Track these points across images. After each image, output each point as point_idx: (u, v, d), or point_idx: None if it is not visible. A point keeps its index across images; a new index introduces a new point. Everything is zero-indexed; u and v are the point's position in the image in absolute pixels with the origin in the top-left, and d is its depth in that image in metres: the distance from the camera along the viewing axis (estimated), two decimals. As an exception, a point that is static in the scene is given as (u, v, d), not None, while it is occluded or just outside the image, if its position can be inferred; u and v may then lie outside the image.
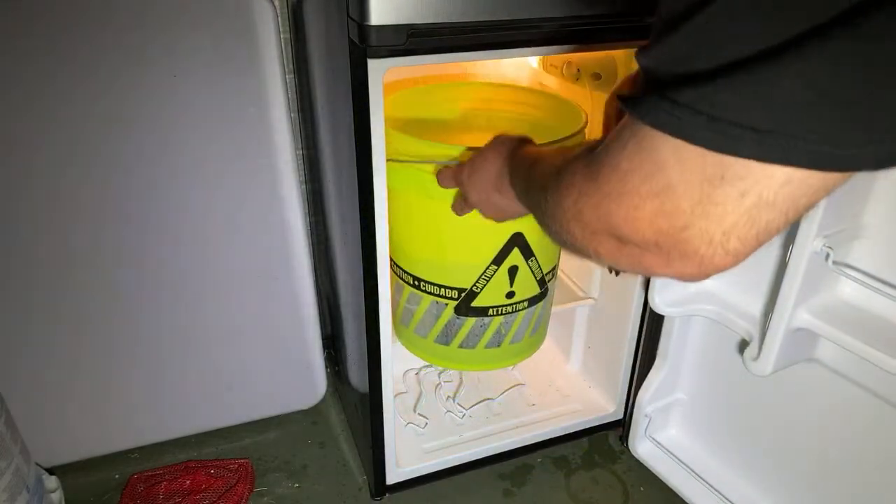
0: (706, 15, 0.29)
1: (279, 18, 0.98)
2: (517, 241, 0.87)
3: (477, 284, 0.89)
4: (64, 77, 0.89)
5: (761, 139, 0.29)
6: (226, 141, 0.99)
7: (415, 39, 0.69)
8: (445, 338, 0.95)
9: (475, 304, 0.91)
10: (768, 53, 0.27)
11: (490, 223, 0.78)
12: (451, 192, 0.82)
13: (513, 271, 0.89)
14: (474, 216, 0.79)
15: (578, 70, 1.08)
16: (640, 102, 0.32)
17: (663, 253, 0.36)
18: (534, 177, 0.53)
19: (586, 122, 0.91)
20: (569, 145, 0.53)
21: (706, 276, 0.36)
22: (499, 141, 0.71)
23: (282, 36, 1.01)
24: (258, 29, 0.95)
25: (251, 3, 0.94)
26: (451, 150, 0.81)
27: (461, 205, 0.81)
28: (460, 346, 0.95)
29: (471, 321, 0.93)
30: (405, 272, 0.93)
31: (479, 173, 0.71)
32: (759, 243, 0.34)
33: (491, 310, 0.92)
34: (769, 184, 0.31)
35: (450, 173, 0.79)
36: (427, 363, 1.28)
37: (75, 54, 0.88)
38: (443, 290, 0.90)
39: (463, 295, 0.90)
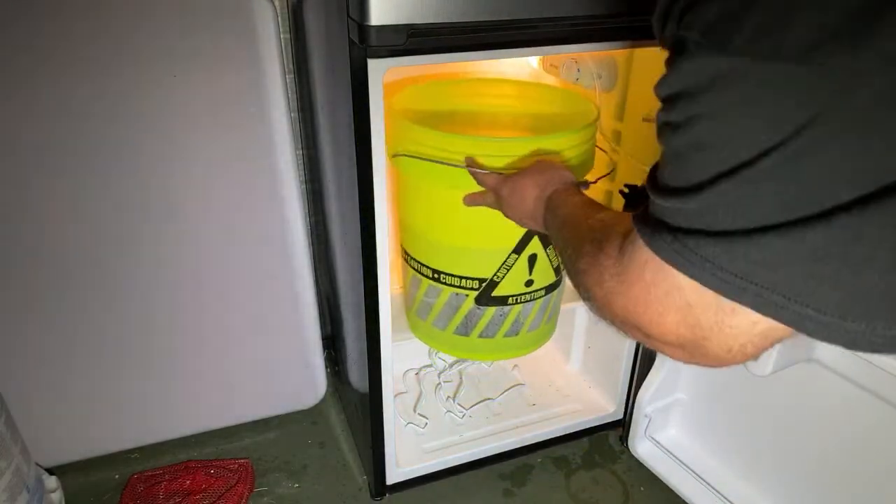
0: (734, 185, 0.32)
1: (279, 18, 0.98)
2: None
3: (498, 274, 0.90)
4: (63, 77, 0.89)
5: (759, 293, 0.33)
6: (226, 141, 0.99)
7: (415, 39, 0.69)
8: (465, 328, 0.96)
9: (495, 293, 0.92)
10: (778, 227, 0.32)
11: None
12: (475, 184, 0.84)
13: (532, 259, 0.90)
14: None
15: (578, 70, 1.08)
16: (658, 242, 0.37)
17: (686, 351, 0.40)
18: (566, 235, 0.58)
19: (598, 116, 0.92)
20: (602, 209, 0.58)
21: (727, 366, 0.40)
22: (539, 170, 0.74)
23: (282, 36, 1.01)
24: (258, 29, 0.95)
25: (251, 3, 0.94)
26: (475, 143, 0.83)
27: (479, 200, 0.83)
28: (480, 336, 0.96)
29: (491, 311, 0.94)
30: (424, 265, 0.94)
31: (516, 197, 0.75)
32: (774, 344, 0.38)
33: (510, 298, 0.93)
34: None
35: (492, 182, 0.80)
36: (427, 363, 1.28)
37: (75, 54, 0.88)
38: (463, 280, 0.91)
39: (484, 285, 0.91)
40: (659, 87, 0.35)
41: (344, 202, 0.92)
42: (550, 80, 1.15)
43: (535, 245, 0.90)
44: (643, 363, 1.11)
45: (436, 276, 0.93)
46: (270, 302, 1.12)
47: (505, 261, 0.89)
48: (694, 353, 0.39)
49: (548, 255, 0.92)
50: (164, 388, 1.11)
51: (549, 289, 0.96)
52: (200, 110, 0.97)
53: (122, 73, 0.91)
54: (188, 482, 1.09)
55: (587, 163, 0.91)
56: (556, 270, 0.95)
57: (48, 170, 0.93)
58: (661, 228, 0.37)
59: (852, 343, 0.33)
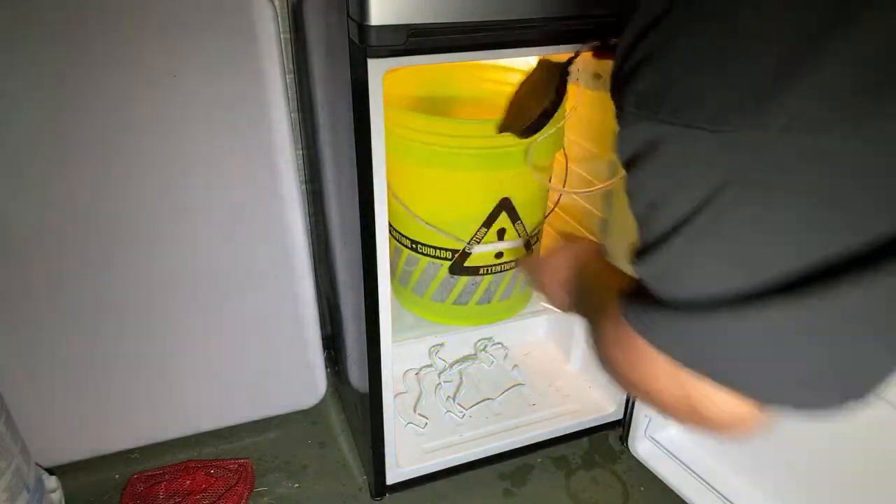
0: (682, 241, 0.35)
1: (279, 18, 0.98)
2: (505, 205, 0.94)
3: (469, 246, 0.96)
4: (63, 77, 0.89)
5: (724, 375, 0.36)
6: (226, 141, 0.99)
7: (415, 39, 0.69)
8: (441, 295, 1.02)
9: (468, 263, 0.98)
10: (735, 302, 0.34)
11: (480, 190, 0.93)
12: (447, 161, 0.90)
13: (501, 233, 0.97)
14: (468, 185, 0.91)
15: (578, 70, 1.08)
16: (630, 314, 0.40)
17: (689, 419, 0.41)
18: (585, 306, 0.60)
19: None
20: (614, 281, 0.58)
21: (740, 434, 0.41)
22: (568, 254, 0.75)
23: (282, 36, 1.01)
24: (258, 29, 0.95)
25: (251, 3, 0.94)
26: (452, 126, 0.88)
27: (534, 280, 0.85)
28: (454, 303, 1.03)
29: (463, 279, 1.00)
30: (403, 236, 1.00)
31: (551, 275, 0.76)
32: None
33: (482, 269, 0.99)
34: None
35: (526, 267, 0.83)
36: (427, 363, 1.28)
37: (74, 54, 0.88)
38: (438, 251, 0.97)
39: (456, 256, 0.97)
40: (616, 153, 0.39)
41: (344, 202, 0.92)
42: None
43: (503, 220, 0.96)
44: (643, 363, 1.11)
45: (414, 246, 0.99)
46: (270, 302, 1.12)
47: (475, 234, 0.95)
48: (692, 416, 0.40)
49: (516, 230, 0.98)
50: (165, 388, 1.11)
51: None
52: (200, 110, 0.97)
53: (122, 73, 0.91)
54: (188, 482, 1.09)
55: (557, 142, 0.98)
56: (527, 245, 1.01)
57: (47, 169, 0.93)
58: (634, 301, 0.40)
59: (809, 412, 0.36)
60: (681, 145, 0.33)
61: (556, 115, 0.92)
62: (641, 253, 0.38)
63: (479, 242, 0.96)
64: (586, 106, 1.03)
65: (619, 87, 0.37)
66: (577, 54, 0.84)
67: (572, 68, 0.87)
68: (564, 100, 0.92)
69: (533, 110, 0.84)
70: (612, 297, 0.45)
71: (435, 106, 1.06)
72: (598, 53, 0.79)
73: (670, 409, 0.41)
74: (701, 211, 0.33)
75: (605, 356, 0.45)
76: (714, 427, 0.40)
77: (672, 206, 0.34)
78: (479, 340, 1.33)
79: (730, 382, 0.36)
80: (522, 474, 1.15)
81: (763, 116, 0.30)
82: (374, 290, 0.88)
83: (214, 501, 1.05)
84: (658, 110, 0.33)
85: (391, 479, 1.06)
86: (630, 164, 0.37)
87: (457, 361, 1.30)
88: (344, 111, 0.78)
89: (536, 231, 1.02)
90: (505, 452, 1.14)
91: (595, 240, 0.78)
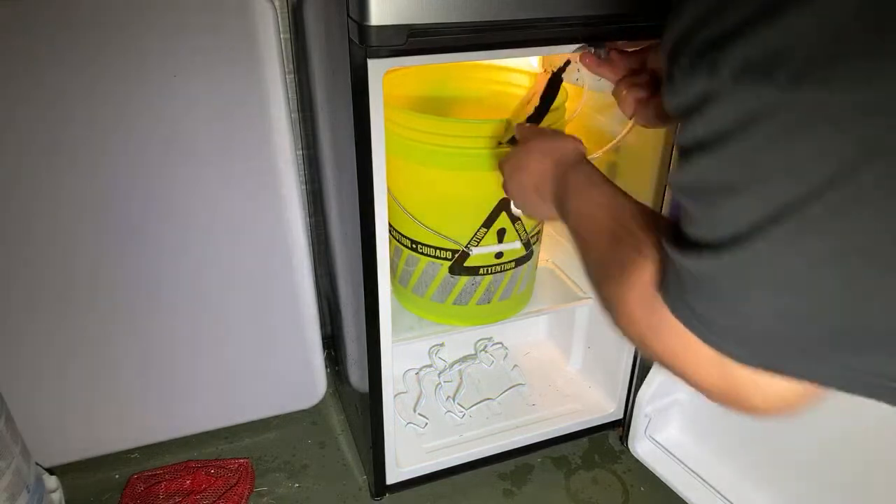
0: (780, 233, 0.30)
1: (279, 18, 0.98)
2: (505, 205, 0.94)
3: (468, 246, 0.96)
4: (63, 78, 0.89)
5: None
6: (226, 141, 0.99)
7: (415, 39, 0.69)
8: (441, 295, 1.01)
9: (467, 263, 0.98)
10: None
11: (480, 190, 0.91)
12: (446, 161, 0.89)
13: (501, 234, 0.96)
14: (468, 185, 0.91)
15: (578, 70, 1.08)
16: (681, 311, 0.36)
17: (723, 398, 0.39)
18: (585, 236, 0.53)
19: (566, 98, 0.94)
20: (623, 203, 0.52)
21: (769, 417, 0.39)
22: (544, 139, 0.69)
23: (282, 36, 1.01)
24: (258, 29, 0.95)
25: (251, 3, 0.94)
26: (452, 126, 0.88)
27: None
28: (454, 303, 1.02)
29: (464, 279, 0.99)
30: (403, 236, 0.99)
31: (521, 175, 0.70)
32: (817, 393, 0.38)
33: (481, 269, 0.99)
34: None
35: (500, 162, 0.78)
36: (427, 363, 1.28)
37: (75, 55, 0.88)
38: (438, 251, 0.97)
39: (456, 256, 0.97)
40: (683, 136, 0.33)
41: (344, 202, 0.92)
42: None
43: (503, 220, 0.95)
44: (643, 363, 1.11)
45: (414, 246, 0.98)
46: (270, 302, 1.12)
47: (475, 234, 0.95)
48: (731, 401, 0.38)
49: (516, 230, 0.97)
50: (164, 388, 1.11)
51: (519, 261, 1.01)
52: (200, 111, 0.97)
53: (122, 74, 0.91)
54: (188, 482, 1.09)
55: None
56: (526, 244, 1.00)
57: (47, 170, 0.93)
58: (683, 296, 0.36)
59: None
60: (803, 112, 0.27)
61: (560, 116, 0.92)
62: (707, 247, 0.32)
63: (478, 243, 0.96)
64: (586, 106, 1.03)
65: (697, 56, 0.31)
66: (567, 62, 0.84)
67: (571, 69, 0.87)
68: (562, 102, 0.92)
69: (520, 119, 0.84)
70: (639, 263, 0.41)
71: (435, 106, 1.06)
72: (586, 60, 0.75)
73: (708, 393, 0.39)
74: (832, 186, 0.27)
75: (627, 327, 0.42)
76: (757, 412, 0.38)
77: (780, 182, 0.29)
78: (479, 340, 1.33)
79: (790, 372, 0.34)
80: (522, 474, 1.15)
81: None
82: (374, 290, 0.88)
83: (214, 501, 1.05)
84: (775, 75, 0.28)
85: (391, 479, 1.06)
86: (706, 143, 0.31)
87: (457, 361, 1.30)
88: (344, 111, 0.78)
89: (536, 231, 1.02)
90: (505, 452, 1.14)
91: (573, 137, 0.69)
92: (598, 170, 0.61)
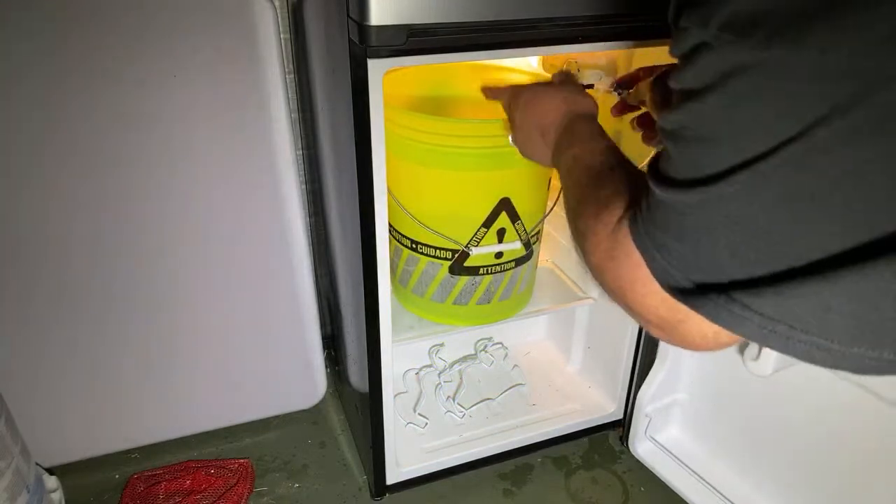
0: (746, 176, 0.32)
1: (279, 18, 0.98)
2: (505, 205, 0.94)
3: (469, 246, 0.96)
4: (63, 77, 0.89)
5: (789, 337, 0.33)
6: (226, 141, 0.99)
7: (415, 39, 0.69)
8: (441, 295, 1.02)
9: (467, 263, 0.98)
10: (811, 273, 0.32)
11: (480, 190, 0.92)
12: (446, 161, 0.89)
13: (501, 233, 0.97)
14: (468, 185, 0.91)
15: (578, 70, 1.08)
16: (643, 241, 0.39)
17: (664, 332, 0.41)
18: (575, 177, 0.56)
19: None
20: (618, 160, 0.56)
21: (702, 351, 0.41)
22: (565, 86, 0.72)
23: (282, 36, 1.01)
24: (258, 29, 0.95)
25: (251, 3, 0.94)
26: (452, 126, 0.88)
27: (497, 95, 0.82)
28: (454, 303, 1.02)
29: (463, 279, 0.99)
30: (403, 236, 0.99)
31: (534, 109, 0.72)
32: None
33: (481, 269, 0.99)
34: None
35: (508, 91, 0.79)
36: (427, 363, 1.28)
37: (75, 55, 0.88)
38: (438, 251, 0.97)
39: (456, 256, 0.97)
40: (675, 79, 0.35)
41: (344, 202, 0.92)
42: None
43: (503, 220, 0.95)
44: (643, 363, 1.11)
45: (414, 246, 0.99)
46: (270, 302, 1.12)
47: (475, 234, 0.95)
48: (671, 333, 0.41)
49: (516, 230, 0.97)
50: (164, 388, 1.11)
51: (519, 261, 1.01)
52: (200, 111, 0.97)
53: (122, 74, 0.91)
54: (188, 482, 1.09)
55: None
56: (526, 245, 1.00)
57: (47, 170, 0.93)
58: (648, 227, 0.38)
59: (858, 369, 0.33)
60: (775, 69, 0.29)
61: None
62: (679, 184, 0.35)
63: (478, 243, 0.96)
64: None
65: (693, 8, 0.33)
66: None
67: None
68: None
69: None
70: (616, 200, 0.44)
71: (435, 106, 1.06)
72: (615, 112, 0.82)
73: (649, 324, 0.42)
74: (799, 137, 0.30)
75: (589, 255, 0.46)
76: (694, 347, 0.40)
77: (754, 133, 0.31)
78: (479, 340, 1.33)
79: (779, 340, 0.34)
80: (522, 474, 1.15)
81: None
82: (374, 290, 0.88)
83: (214, 501, 1.05)
84: (752, 33, 0.30)
85: (391, 479, 1.06)
86: (694, 91, 0.33)
87: (457, 361, 1.30)
88: (344, 111, 0.78)
89: (536, 231, 1.02)
90: (505, 452, 1.14)
91: (591, 96, 0.72)
92: (603, 130, 0.64)
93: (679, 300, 0.37)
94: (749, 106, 0.31)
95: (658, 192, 0.37)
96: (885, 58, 0.27)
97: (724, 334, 0.37)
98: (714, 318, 0.35)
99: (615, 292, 0.43)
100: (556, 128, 0.68)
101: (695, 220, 0.35)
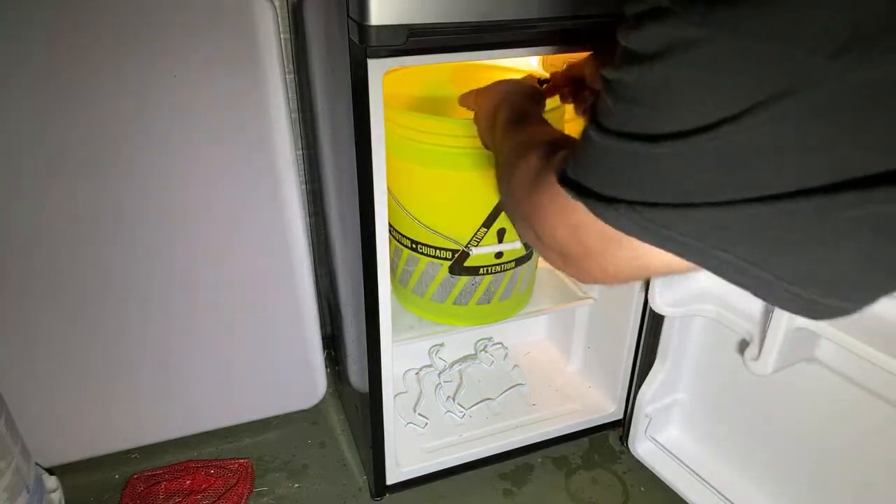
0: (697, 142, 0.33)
1: (279, 18, 0.98)
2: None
3: (469, 246, 0.97)
4: (63, 77, 0.89)
5: (703, 251, 0.34)
6: (226, 141, 0.99)
7: (415, 39, 0.69)
8: (441, 295, 1.02)
9: (468, 263, 0.98)
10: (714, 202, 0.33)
11: (480, 190, 0.92)
12: (446, 161, 0.90)
13: (501, 233, 0.97)
14: (468, 185, 0.92)
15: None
16: (615, 214, 0.38)
17: (565, 263, 0.43)
18: (505, 131, 0.62)
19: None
20: (539, 124, 0.63)
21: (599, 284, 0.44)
22: (510, 82, 0.78)
23: (282, 36, 1.01)
24: (258, 29, 0.95)
25: (251, 3, 0.94)
26: (452, 126, 0.88)
27: (465, 98, 0.86)
28: (454, 303, 1.02)
29: (464, 279, 1.00)
30: (403, 236, 1.00)
31: (483, 99, 0.77)
32: (648, 277, 0.42)
33: (481, 269, 0.99)
34: (659, 261, 0.37)
35: (472, 94, 0.84)
36: (427, 363, 1.28)
37: (74, 55, 0.88)
38: (438, 251, 0.97)
39: (456, 256, 0.97)
40: (623, 36, 0.36)
41: (344, 202, 0.92)
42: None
43: (503, 220, 0.95)
44: (643, 363, 1.11)
45: (414, 246, 0.99)
46: (270, 302, 1.12)
47: (475, 234, 0.95)
48: (573, 266, 0.42)
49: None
50: (165, 388, 1.11)
51: (519, 261, 1.01)
52: (200, 110, 0.97)
53: (122, 74, 0.91)
54: (188, 482, 1.09)
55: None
56: (526, 244, 1.00)
57: (46, 170, 0.93)
58: (575, 166, 0.39)
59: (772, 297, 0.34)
60: (723, 50, 0.30)
61: (560, 116, 0.92)
62: (610, 133, 0.36)
63: (478, 243, 0.96)
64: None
65: None
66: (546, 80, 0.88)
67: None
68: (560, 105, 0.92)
69: None
70: (536, 146, 0.47)
71: (435, 106, 1.06)
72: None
73: (556, 254, 0.43)
74: (735, 119, 0.30)
75: (511, 195, 0.48)
76: (594, 280, 0.42)
77: (672, 112, 0.33)
78: (479, 340, 1.33)
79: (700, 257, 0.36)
80: (522, 474, 1.15)
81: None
82: (374, 290, 0.88)
83: (214, 501, 1.05)
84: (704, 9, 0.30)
85: (391, 479, 1.06)
86: (638, 57, 0.34)
87: (457, 361, 1.30)
88: (344, 111, 0.78)
89: None
90: (505, 452, 1.14)
91: (532, 81, 0.80)
92: (540, 113, 0.69)
93: (589, 208, 0.38)
94: (691, 80, 0.32)
95: (593, 134, 0.38)
96: (817, 56, 0.27)
97: (624, 272, 0.39)
98: (617, 225, 0.37)
99: (527, 220, 0.45)
100: (497, 108, 0.72)
101: (620, 164, 0.36)
